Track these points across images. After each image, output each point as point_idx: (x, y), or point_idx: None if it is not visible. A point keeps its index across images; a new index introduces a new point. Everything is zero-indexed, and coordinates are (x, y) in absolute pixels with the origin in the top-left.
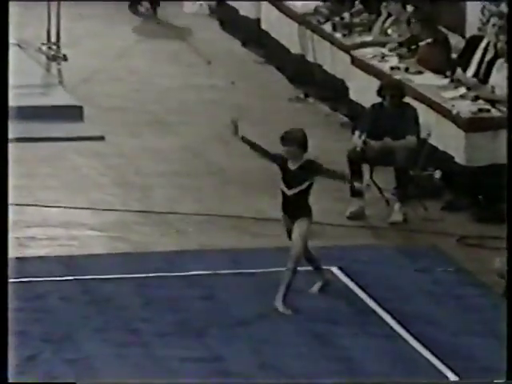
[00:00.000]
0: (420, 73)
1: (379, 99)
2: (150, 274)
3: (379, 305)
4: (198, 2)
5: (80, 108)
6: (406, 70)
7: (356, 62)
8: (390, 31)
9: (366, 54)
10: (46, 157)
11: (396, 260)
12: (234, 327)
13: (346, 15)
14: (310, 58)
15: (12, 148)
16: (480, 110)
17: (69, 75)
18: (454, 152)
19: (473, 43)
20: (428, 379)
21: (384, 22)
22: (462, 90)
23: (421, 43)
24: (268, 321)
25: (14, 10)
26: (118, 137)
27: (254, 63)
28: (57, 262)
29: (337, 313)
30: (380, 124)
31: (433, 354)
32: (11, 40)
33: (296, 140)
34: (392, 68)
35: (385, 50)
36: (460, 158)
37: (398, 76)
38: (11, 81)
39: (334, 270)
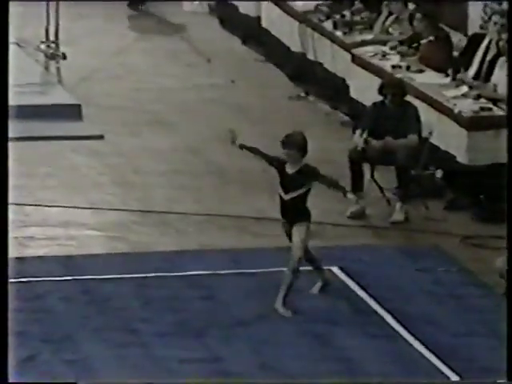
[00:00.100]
0: (421, 71)
1: (380, 98)
2: (150, 274)
3: (380, 305)
4: (195, 2)
5: (79, 107)
6: (408, 68)
7: (357, 61)
8: (391, 29)
9: (366, 52)
10: (44, 156)
11: (397, 260)
12: (233, 327)
13: (347, 13)
14: (310, 57)
15: (10, 147)
16: (482, 109)
17: (68, 74)
18: (455, 151)
19: (475, 41)
20: (429, 380)
21: (385, 21)
22: (464, 89)
23: (422, 41)
24: (268, 321)
25: (13, 8)
26: (117, 136)
27: (254, 61)
28: (56, 262)
29: (337, 313)
30: (381, 123)
31: (434, 354)
32: (10, 39)
33: (296, 143)
34: (393, 66)
35: (386, 49)
36: (462, 157)
37: (399, 74)
38: (10, 79)
39: (335, 269)
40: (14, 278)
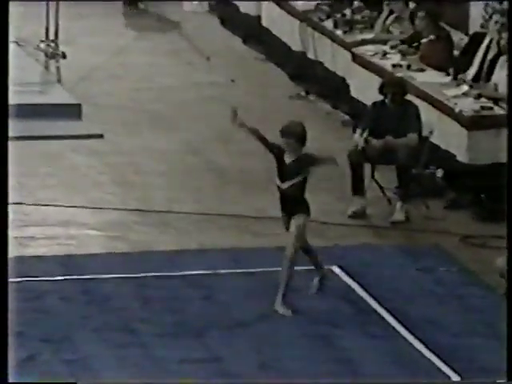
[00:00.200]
0: (422, 70)
1: (380, 97)
2: (150, 274)
3: (380, 304)
4: (195, 2)
5: (78, 106)
6: (408, 67)
7: (357, 60)
8: (391, 29)
9: (367, 51)
10: (44, 155)
11: (398, 259)
12: (233, 327)
13: (348, 12)
14: (310, 56)
15: (10, 146)
16: (482, 108)
17: (67, 73)
18: (456, 150)
19: (476, 40)
20: (428, 378)
21: (386, 20)
22: (465, 88)
23: (423, 40)
24: (268, 321)
25: (13, 8)
26: (117, 135)
27: (254, 60)
28: (56, 262)
29: (337, 313)
30: (381, 122)
31: (434, 354)
32: (10, 38)
33: (295, 133)
34: (394, 65)
35: (386, 48)
36: (462, 157)
37: (399, 73)
38: (10, 79)
39: (335, 269)
40: (14, 278)
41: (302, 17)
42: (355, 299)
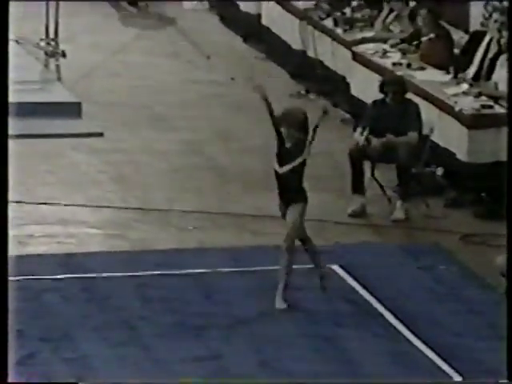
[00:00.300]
0: (422, 69)
1: (380, 95)
2: (150, 272)
3: (381, 303)
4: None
5: (78, 104)
6: (408, 65)
7: (357, 58)
8: (392, 27)
9: (367, 49)
10: (44, 154)
11: (398, 258)
12: (233, 325)
13: (348, 11)
14: (311, 54)
15: (10, 145)
16: (483, 107)
17: (67, 71)
18: (456, 149)
19: (476, 39)
20: (429, 378)
21: (386, 18)
22: (465, 86)
23: (423, 39)
24: (268, 319)
25: (13, 7)
26: (116, 133)
27: (254, 59)
28: (55, 260)
29: (338, 311)
30: (382, 120)
31: (434, 352)
32: (10, 36)
33: (296, 122)
34: (394, 64)
35: (386, 46)
36: (462, 155)
37: (399, 72)
38: (10, 77)
39: (336, 268)
40: (14, 277)
41: (302, 15)
42: (355, 298)
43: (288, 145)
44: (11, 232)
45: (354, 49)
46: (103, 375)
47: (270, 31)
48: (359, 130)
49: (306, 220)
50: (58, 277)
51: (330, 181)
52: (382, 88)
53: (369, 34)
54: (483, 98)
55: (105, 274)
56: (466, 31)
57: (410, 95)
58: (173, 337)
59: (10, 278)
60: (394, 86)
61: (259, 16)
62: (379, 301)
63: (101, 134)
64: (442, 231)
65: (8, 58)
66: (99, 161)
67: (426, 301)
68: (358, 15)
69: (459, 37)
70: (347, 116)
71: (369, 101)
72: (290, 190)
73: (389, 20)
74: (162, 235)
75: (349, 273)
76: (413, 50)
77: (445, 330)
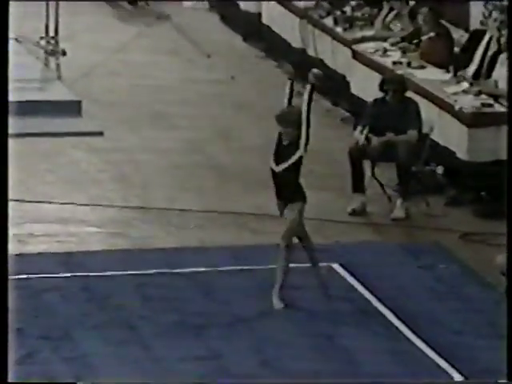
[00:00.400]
0: (422, 67)
1: (380, 94)
2: (150, 271)
3: (381, 302)
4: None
5: (78, 103)
6: (408, 64)
7: (357, 57)
8: (392, 26)
9: (367, 48)
10: (44, 152)
11: (398, 257)
12: (233, 324)
13: (348, 9)
14: (311, 53)
15: (10, 143)
16: (483, 105)
17: (67, 70)
18: (456, 147)
19: (476, 37)
20: (429, 377)
21: (386, 17)
22: (465, 85)
23: (423, 37)
24: (268, 318)
25: (13, 5)
26: (116, 132)
27: (254, 57)
28: (55, 259)
29: (338, 310)
30: (382, 119)
31: (435, 351)
32: (10, 35)
33: (292, 121)
34: (394, 63)
35: (387, 45)
36: (462, 154)
37: (400, 71)
38: (10, 75)
39: (336, 266)
40: (14, 275)
41: (303, 14)
42: (355, 296)
43: (285, 143)
44: (11, 231)
45: (354, 47)
46: (103, 374)
47: (271, 30)
48: (359, 128)
49: (306, 218)
50: (58, 275)
51: (330, 179)
52: (382, 86)
53: (369, 32)
54: (483, 96)
55: (105, 273)
56: (467, 30)
57: (410, 94)
58: (173, 336)
59: (10, 277)
60: (394, 84)
61: (259, 15)
62: (379, 299)
63: (101, 133)
64: (442, 230)
65: (8, 57)
66: (99, 159)
67: (426, 299)
68: (358, 14)
69: (459, 35)
70: (347, 115)
71: (369, 99)
72: (287, 189)
73: (389, 19)
74: (162, 234)
75: (349, 271)
76: (413, 48)
77: (445, 328)
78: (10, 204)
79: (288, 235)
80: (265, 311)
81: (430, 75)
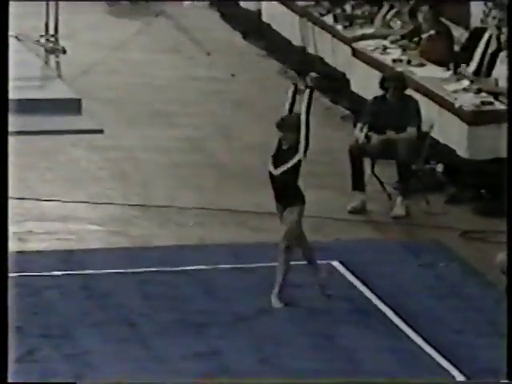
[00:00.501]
0: (422, 65)
1: (380, 92)
2: (150, 269)
3: (381, 299)
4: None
5: (78, 101)
6: (408, 62)
7: (357, 55)
8: (392, 23)
9: (367, 46)
10: (44, 150)
11: (398, 254)
12: (233, 322)
13: (348, 7)
14: (311, 51)
15: (10, 141)
16: (483, 103)
17: (67, 68)
18: (456, 145)
19: (476, 35)
20: (429, 375)
21: (386, 14)
22: (465, 83)
23: (423, 35)
24: (268, 316)
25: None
26: (116, 130)
27: (255, 55)
28: (55, 257)
29: (338, 308)
30: (382, 117)
31: (435, 349)
32: (10, 33)
33: (292, 127)
34: (394, 60)
35: (386, 43)
36: (462, 152)
37: (400, 68)
38: (10, 74)
39: (336, 264)
40: (14, 273)
41: (303, 12)
42: (355, 294)
43: (285, 147)
44: (11, 228)
45: (354, 45)
46: (103, 372)
47: (271, 28)
48: (359, 126)
49: (306, 216)
50: (58, 273)
51: (329, 177)
52: (383, 84)
53: (369, 30)
54: (483, 94)
55: (105, 271)
56: (467, 28)
57: (410, 92)
58: (173, 333)
59: (10, 275)
60: (394, 82)
61: (259, 13)
62: (379, 298)
63: (101, 131)
64: (442, 228)
65: (8, 55)
66: (99, 157)
67: (426, 298)
68: (358, 12)
69: (459, 33)
70: (347, 112)
71: (369, 97)
72: (286, 192)
73: (389, 16)
74: (162, 232)
75: (349, 269)
76: (413, 46)
77: (445, 326)
78: (10, 202)
79: (288, 237)
80: (265, 309)
81: (430, 73)
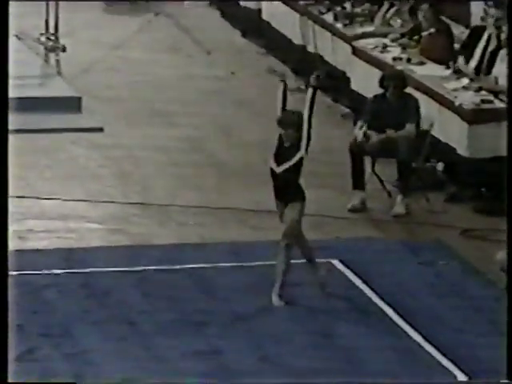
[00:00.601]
0: (422, 63)
1: (381, 90)
2: (150, 267)
3: (381, 298)
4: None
5: (78, 99)
6: (408, 60)
7: (357, 53)
8: (392, 22)
9: (367, 44)
10: (44, 148)
11: (398, 253)
12: (233, 320)
13: (348, 5)
14: (311, 49)
15: (10, 139)
16: (483, 101)
17: (67, 66)
18: (456, 144)
19: (476, 33)
20: (429, 373)
21: (386, 13)
22: (465, 81)
23: (423, 33)
24: (268, 314)
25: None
26: (116, 128)
27: (254, 54)
28: (55, 255)
29: (337, 306)
30: (382, 115)
31: (435, 348)
32: (10, 31)
33: (293, 124)
34: (394, 59)
35: (387, 41)
36: (463, 150)
37: (399, 66)
38: (10, 72)
39: (336, 262)
40: (14, 271)
41: (303, 10)
42: (355, 293)
43: (287, 144)
44: (11, 227)
45: (354, 43)
46: (103, 370)
47: (271, 26)
48: (359, 124)
49: (307, 215)
50: (58, 272)
51: (330, 176)
52: (382, 82)
53: (369, 28)
54: (483, 92)
55: (105, 269)
56: (467, 27)
57: (410, 90)
58: (173, 332)
59: (10, 273)
60: (394, 80)
61: (259, 11)
62: (379, 296)
63: (101, 129)
64: (442, 226)
65: (8, 53)
66: (99, 156)
67: (426, 296)
68: (358, 10)
69: (460, 32)
70: (347, 111)
71: (369, 95)
72: (288, 190)
73: (389, 15)
74: (163, 230)
75: (349, 268)
76: (413, 44)
77: (445, 325)
78: (10, 200)
79: (289, 234)
80: (265, 308)
81: (430, 71)
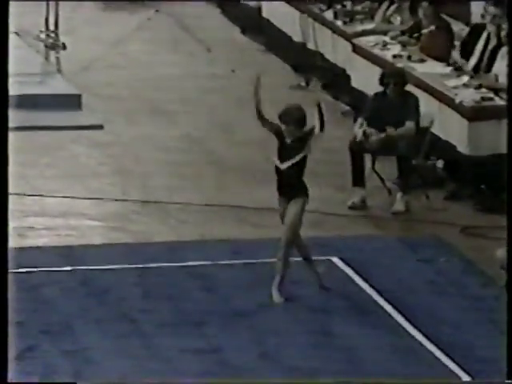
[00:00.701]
0: (422, 61)
1: (380, 87)
2: (150, 265)
3: (380, 295)
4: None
5: (79, 96)
6: (409, 58)
7: (357, 50)
8: (392, 19)
9: (367, 41)
10: (44, 146)
11: (398, 250)
12: (233, 318)
13: (348, 3)
14: (311, 46)
15: (10, 137)
16: (483, 99)
17: (67, 64)
18: (456, 141)
19: (476, 31)
20: (429, 371)
21: (386, 10)
22: (465, 79)
23: (424, 31)
24: (268, 311)
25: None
26: (117, 126)
27: (255, 51)
28: (55, 253)
29: (337, 304)
30: (382, 113)
31: (434, 345)
32: (10, 28)
33: (294, 119)
34: (394, 56)
35: (387, 38)
36: (463, 148)
37: (400, 64)
38: (10, 69)
39: (335, 260)
40: (14, 269)
41: (303, 8)
42: (355, 290)
43: (289, 140)
44: (11, 224)
45: (355, 41)
46: (103, 368)
47: (271, 23)
48: (359, 121)
49: (307, 212)
50: (58, 269)
51: (330, 174)
52: (383, 80)
53: (369, 26)
54: (483, 90)
55: (105, 267)
56: (467, 24)
57: (410, 87)
58: (173, 329)
59: (10, 271)
60: (394, 77)
61: (260, 8)
62: (379, 293)
63: (101, 127)
64: (442, 223)
65: (8, 51)
66: (99, 153)
67: (426, 293)
68: (358, 7)
69: (460, 29)
70: (348, 108)
71: (369, 93)
72: (291, 186)
73: (389, 12)
74: (163, 228)
75: (349, 265)
76: (413, 42)
77: (445, 322)
78: (10, 198)
79: (290, 230)
80: (265, 305)
81: (430, 69)
